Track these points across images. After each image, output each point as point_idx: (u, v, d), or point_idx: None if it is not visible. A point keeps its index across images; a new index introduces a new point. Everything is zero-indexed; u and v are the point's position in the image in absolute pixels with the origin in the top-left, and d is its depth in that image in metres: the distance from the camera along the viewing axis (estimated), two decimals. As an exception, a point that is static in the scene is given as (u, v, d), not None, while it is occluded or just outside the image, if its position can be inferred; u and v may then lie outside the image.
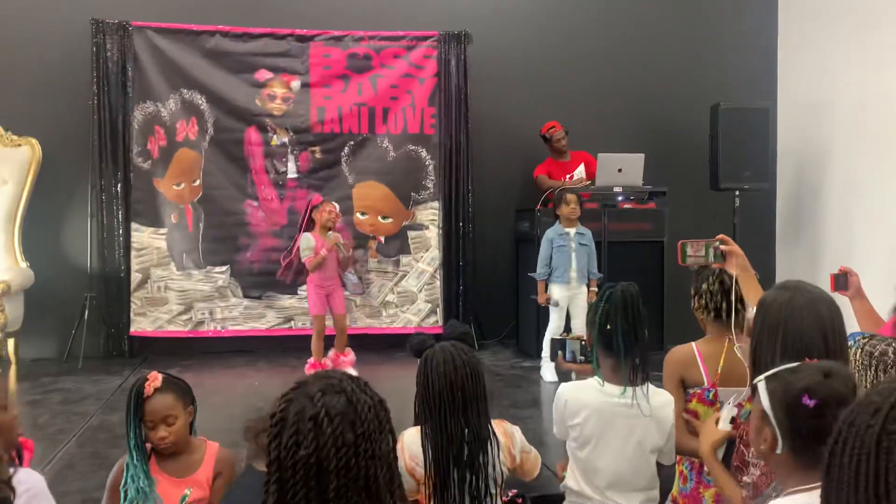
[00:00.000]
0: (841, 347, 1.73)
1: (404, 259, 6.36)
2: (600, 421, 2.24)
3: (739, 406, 1.99)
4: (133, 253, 6.00)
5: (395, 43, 6.28)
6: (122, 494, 2.11)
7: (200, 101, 6.07)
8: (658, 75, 6.82)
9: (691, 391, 2.29)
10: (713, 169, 6.22)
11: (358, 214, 6.32)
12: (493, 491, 2.09)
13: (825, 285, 2.06)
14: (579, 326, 4.93)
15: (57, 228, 6.05)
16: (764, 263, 6.65)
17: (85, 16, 5.92)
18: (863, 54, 6.01)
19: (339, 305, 5.28)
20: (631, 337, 2.17)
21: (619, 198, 5.82)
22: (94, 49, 5.90)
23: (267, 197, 6.19)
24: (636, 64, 6.81)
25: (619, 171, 5.77)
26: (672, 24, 6.90)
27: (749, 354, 1.80)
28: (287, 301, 6.20)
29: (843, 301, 2.10)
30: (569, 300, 5.09)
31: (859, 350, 1.74)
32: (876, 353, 1.72)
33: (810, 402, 1.37)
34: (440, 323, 6.24)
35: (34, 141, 5.89)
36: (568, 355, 2.49)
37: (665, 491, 2.42)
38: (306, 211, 5.33)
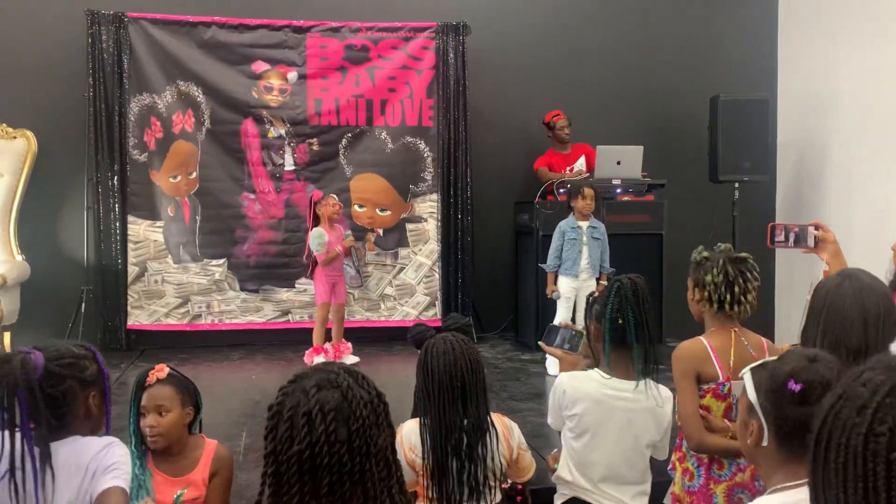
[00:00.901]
0: (883, 338, 1.71)
1: (403, 251, 6.36)
2: (599, 412, 2.25)
3: None
4: (130, 246, 5.99)
5: (392, 34, 6.25)
6: None
7: (197, 93, 6.06)
8: (657, 66, 6.81)
9: (705, 387, 2.28)
10: (712, 161, 6.22)
11: (356, 207, 6.31)
12: (491, 483, 2.09)
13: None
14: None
15: (53, 221, 6.03)
16: (763, 256, 6.65)
17: (80, 7, 5.89)
18: (864, 44, 6.00)
19: (340, 295, 5.37)
20: (643, 329, 2.18)
21: (618, 190, 5.82)
22: (90, 40, 5.87)
23: (264, 189, 6.18)
24: (636, 55, 6.80)
25: (618, 163, 5.76)
26: (671, 15, 6.88)
27: (799, 337, 1.79)
28: (284, 294, 6.20)
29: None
30: (576, 293, 5.09)
31: None
32: None
33: (795, 387, 1.35)
34: (439, 316, 6.24)
35: (30, 133, 5.87)
36: (557, 340, 2.48)
37: (658, 485, 2.42)
38: (310, 207, 5.31)
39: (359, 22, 6.22)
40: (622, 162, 5.77)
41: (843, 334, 1.64)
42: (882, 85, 5.80)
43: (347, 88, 6.23)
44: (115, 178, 5.94)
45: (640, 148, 5.86)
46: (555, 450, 2.54)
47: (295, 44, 6.17)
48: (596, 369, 2.28)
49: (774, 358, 1.48)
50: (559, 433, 2.41)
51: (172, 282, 6.08)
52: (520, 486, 2.35)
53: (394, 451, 1.31)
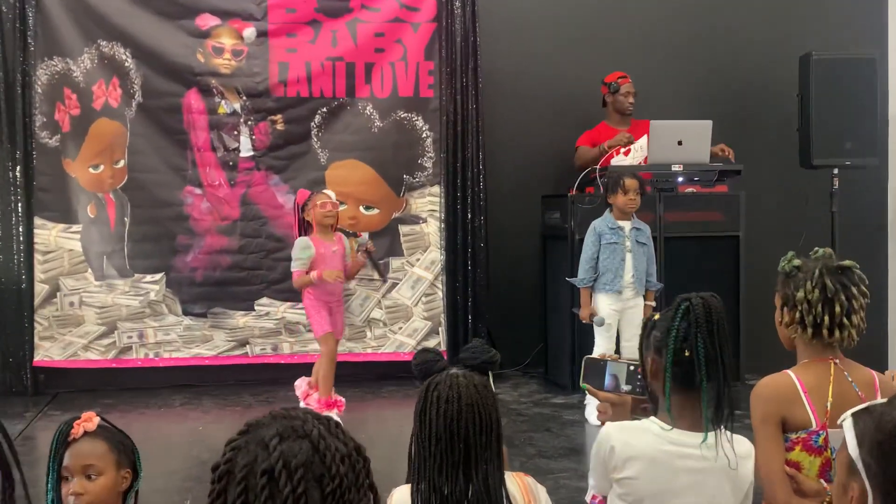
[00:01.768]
0: None
1: (395, 262, 6.35)
2: (657, 475, 2.23)
3: None
4: (37, 257, 6.00)
5: (380, -23, 6.29)
6: None
7: (124, 56, 6.08)
8: (729, 17, 6.81)
9: (794, 436, 2.26)
10: (804, 140, 6.21)
11: (333, 204, 6.32)
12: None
13: None
14: (631, 350, 4.91)
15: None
16: (872, 263, 6.63)
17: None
18: None
19: (339, 326, 5.28)
20: (716, 365, 2.16)
21: (680, 179, 5.80)
22: (-16, -11, 5.92)
23: (213, 182, 6.19)
24: (700, 2, 6.80)
25: (679, 143, 5.74)
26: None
27: None
28: (241, 319, 6.20)
29: None
30: (619, 315, 5.07)
31: None
32: None
33: None
34: (443, 347, 6.24)
35: None
36: (608, 381, 2.46)
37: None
38: (295, 212, 5.26)
39: (336, -39, 6.26)
40: (684, 142, 5.75)
41: None
42: None
43: (322, 49, 6.24)
44: (17, 168, 5.96)
45: (709, 123, 5.84)
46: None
47: (252, -9, 6.21)
48: (653, 418, 2.27)
49: (884, 401, 1.46)
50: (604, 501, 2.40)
51: (93, 304, 6.08)
52: None
53: None
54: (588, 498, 2.46)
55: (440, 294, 6.36)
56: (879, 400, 1.49)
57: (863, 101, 6.17)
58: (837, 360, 2.30)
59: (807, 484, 2.21)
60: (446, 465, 2.01)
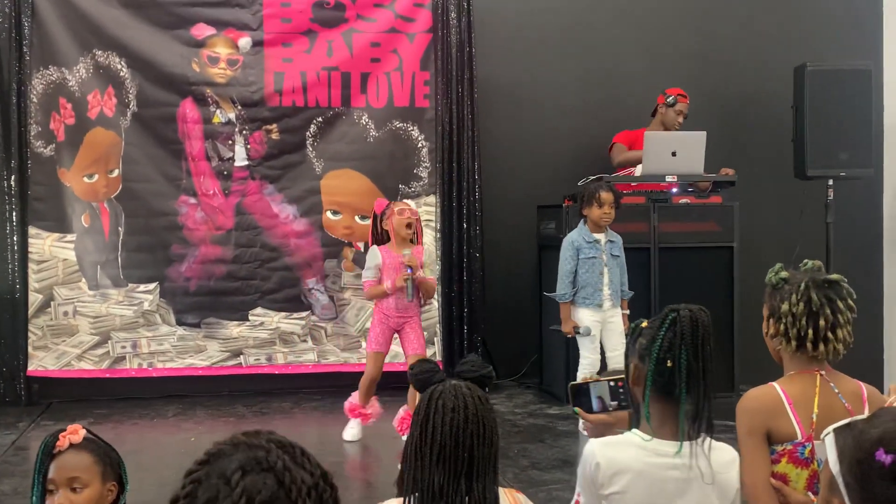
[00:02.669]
0: None
1: (390, 273, 6.37)
2: (646, 488, 2.24)
3: None
4: (31, 266, 6.02)
5: (376, -13, 6.32)
6: None
7: (120, 66, 6.10)
8: (724, 28, 6.85)
9: (780, 448, 2.27)
10: (798, 151, 6.23)
11: (328, 214, 6.34)
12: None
13: None
14: (616, 359, 4.93)
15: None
16: (867, 274, 6.65)
17: (-33, -46, 5.96)
18: None
19: (414, 344, 4.95)
20: (697, 378, 2.17)
21: (674, 190, 5.83)
22: (-21, -2, 5.95)
23: (208, 191, 6.21)
24: (695, 13, 6.84)
25: (673, 153, 5.76)
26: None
27: None
28: (235, 329, 6.22)
29: None
30: (601, 326, 5.09)
31: None
32: None
33: (886, 459, 1.32)
34: (438, 358, 6.25)
35: None
36: (595, 403, 2.45)
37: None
38: (374, 223, 5.11)
39: (332, -28, 6.29)
40: (679, 152, 5.77)
41: None
42: None
43: (317, 59, 6.27)
44: (12, 177, 5.97)
45: (703, 134, 5.87)
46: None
47: (248, 1, 6.22)
48: (634, 430, 2.28)
49: (865, 417, 1.46)
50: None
51: (87, 314, 6.10)
52: None
53: None
54: None
55: (435, 304, 6.36)
56: (862, 416, 1.48)
57: (857, 112, 6.20)
58: (823, 372, 2.30)
59: (794, 496, 2.21)
60: (448, 475, 2.01)
